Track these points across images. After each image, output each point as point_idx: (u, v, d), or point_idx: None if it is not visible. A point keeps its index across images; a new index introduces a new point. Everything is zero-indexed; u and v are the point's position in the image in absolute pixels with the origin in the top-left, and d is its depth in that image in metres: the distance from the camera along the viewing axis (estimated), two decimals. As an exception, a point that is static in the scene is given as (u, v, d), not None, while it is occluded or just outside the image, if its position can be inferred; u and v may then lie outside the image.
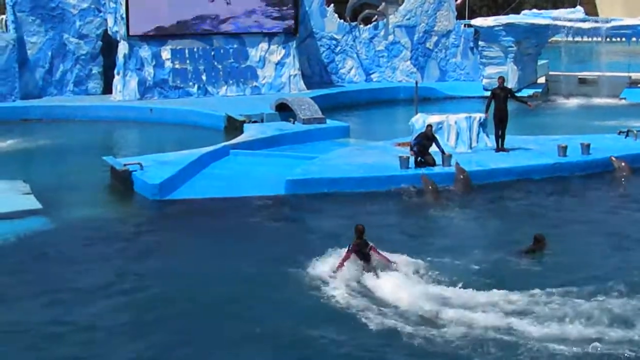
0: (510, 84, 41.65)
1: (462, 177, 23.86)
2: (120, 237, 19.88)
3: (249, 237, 19.51)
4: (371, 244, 16.66)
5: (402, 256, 17.10)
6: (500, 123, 26.60)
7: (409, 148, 25.10)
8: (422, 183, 23.31)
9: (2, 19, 40.55)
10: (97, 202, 23.09)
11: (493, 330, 13.98)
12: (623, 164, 25.63)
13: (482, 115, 27.28)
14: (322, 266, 16.67)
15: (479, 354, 13.28)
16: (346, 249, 16.60)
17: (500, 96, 26.59)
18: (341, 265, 16.37)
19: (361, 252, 16.53)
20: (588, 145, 26.19)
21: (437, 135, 25.41)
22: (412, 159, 24.53)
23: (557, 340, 13.56)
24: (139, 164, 24.25)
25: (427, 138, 24.78)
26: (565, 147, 25.91)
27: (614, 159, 25.83)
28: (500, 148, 26.67)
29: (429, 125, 25.26)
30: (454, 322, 14.29)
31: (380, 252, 16.71)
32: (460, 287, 15.73)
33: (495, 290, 15.55)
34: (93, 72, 40.54)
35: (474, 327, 14.11)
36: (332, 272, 16.30)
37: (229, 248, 18.83)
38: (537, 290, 15.50)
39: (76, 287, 16.44)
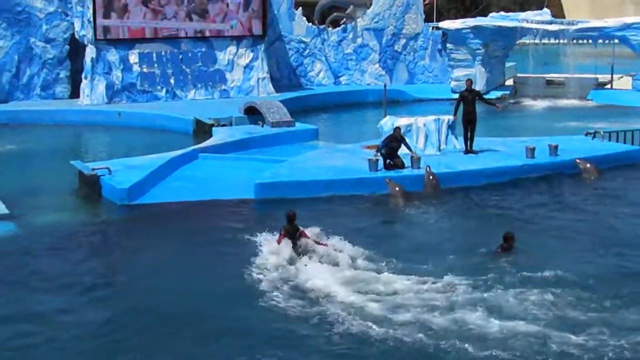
0: (479, 86, 41.87)
1: (431, 179, 23.91)
2: (87, 242, 19.78)
3: (217, 241, 19.43)
4: (301, 229, 17.95)
5: (334, 239, 18.19)
6: (468, 125, 26.69)
7: (376, 150, 25.15)
8: (389, 187, 23.33)
9: (-33, 23, 40.27)
10: (65, 207, 22.95)
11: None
12: (588, 165, 25.75)
13: (451, 118, 27.37)
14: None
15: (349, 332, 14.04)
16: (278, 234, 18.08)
17: (469, 98, 26.68)
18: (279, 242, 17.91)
19: (292, 236, 17.81)
20: (556, 147, 26.33)
21: (405, 137, 25.47)
22: (381, 162, 24.56)
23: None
24: (107, 168, 24.12)
25: (395, 140, 24.83)
26: (534, 149, 26.01)
27: (579, 161, 25.96)
28: (468, 150, 26.75)
29: (397, 128, 25.32)
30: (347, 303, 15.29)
31: (310, 236, 17.98)
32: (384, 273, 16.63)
33: (413, 277, 16.33)
34: (60, 76, 40.31)
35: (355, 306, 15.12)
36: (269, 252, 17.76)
37: (196, 252, 18.74)
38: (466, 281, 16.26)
39: (40, 291, 16.39)
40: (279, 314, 15.05)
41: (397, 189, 23.20)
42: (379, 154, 24.73)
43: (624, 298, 15.56)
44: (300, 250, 17.69)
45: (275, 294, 15.84)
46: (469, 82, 27.47)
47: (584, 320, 14.47)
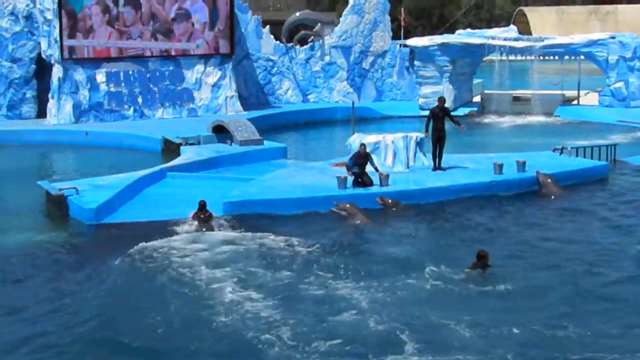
0: (446, 103, 41.95)
1: (548, 180, 25.02)
2: (54, 263, 19.67)
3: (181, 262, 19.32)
4: (209, 212, 22.31)
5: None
6: (437, 142, 26.77)
7: (345, 169, 25.12)
8: (339, 208, 23.13)
9: None
10: (32, 228, 22.77)
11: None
12: (549, 180, 25.83)
13: (419, 135, 27.43)
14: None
15: None
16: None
17: (439, 116, 26.78)
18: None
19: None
20: (524, 163, 26.43)
21: (372, 154, 25.49)
22: (349, 180, 24.57)
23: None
24: (74, 188, 24.00)
25: (361, 157, 24.85)
26: (502, 165, 26.10)
27: (539, 172, 26.04)
28: (437, 167, 26.81)
29: (362, 144, 25.33)
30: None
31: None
32: None
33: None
34: (27, 96, 40.06)
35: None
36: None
37: (161, 273, 18.61)
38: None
39: (5, 312, 16.37)
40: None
41: (347, 206, 23.03)
42: (350, 172, 24.72)
43: (599, 314, 15.70)
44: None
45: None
46: (442, 100, 27.52)
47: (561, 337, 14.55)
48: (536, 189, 25.77)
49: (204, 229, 21.83)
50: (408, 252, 20.01)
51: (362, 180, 24.66)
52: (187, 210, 22.83)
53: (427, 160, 27.30)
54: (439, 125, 26.72)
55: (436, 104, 27.67)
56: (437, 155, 26.90)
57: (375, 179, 24.77)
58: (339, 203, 23.09)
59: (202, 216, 22.42)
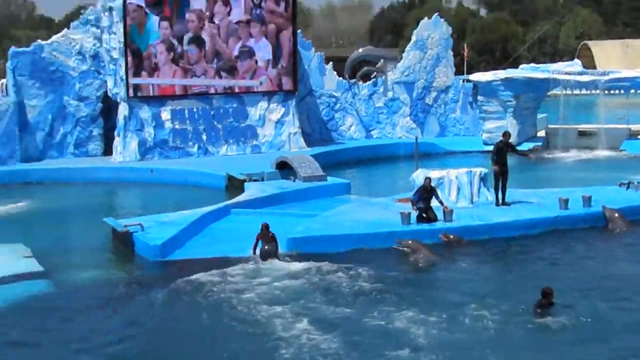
0: (510, 138, 41.81)
1: (617, 215, 24.81)
2: (119, 298, 19.78)
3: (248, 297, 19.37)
4: (272, 233, 22.57)
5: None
6: (501, 177, 26.62)
7: (410, 204, 25.04)
8: (399, 245, 23.03)
9: (2, 83, 40.77)
10: (99, 264, 22.98)
11: None
12: (617, 214, 25.51)
13: (484, 170, 27.27)
14: None
15: None
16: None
17: (504, 150, 26.67)
18: (254, 249, 22.50)
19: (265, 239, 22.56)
20: (589, 198, 26.14)
21: (436, 188, 25.39)
22: (413, 215, 24.48)
23: None
24: (140, 224, 24.20)
25: (426, 191, 24.77)
26: (567, 200, 25.85)
27: (606, 207, 25.73)
28: (501, 202, 26.63)
29: (427, 178, 25.24)
30: None
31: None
32: None
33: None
34: (93, 133, 40.67)
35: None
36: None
37: (223, 308, 18.69)
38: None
39: (76, 349, 16.42)
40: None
41: (410, 243, 22.87)
42: (415, 207, 24.63)
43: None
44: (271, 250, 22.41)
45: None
46: (508, 134, 27.36)
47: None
48: (602, 224, 25.44)
49: (267, 261, 22.00)
50: (471, 288, 19.80)
51: (426, 215, 24.57)
52: (250, 246, 22.91)
53: (490, 196, 27.11)
54: (503, 160, 26.59)
55: (500, 138, 27.53)
56: (500, 189, 26.74)
57: (440, 214, 24.66)
58: (402, 240, 22.98)
59: (267, 235, 22.53)
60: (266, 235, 22.49)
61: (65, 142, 40.25)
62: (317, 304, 18.58)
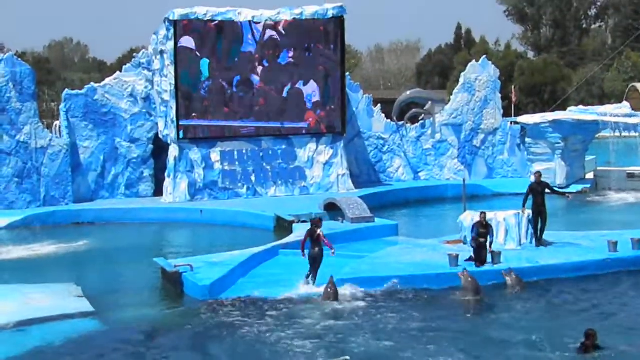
0: (559, 180, 41.95)
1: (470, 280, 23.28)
2: (170, 340, 19.94)
3: (296, 337, 19.48)
4: (320, 232, 23.24)
5: None
6: (539, 216, 26.96)
7: (471, 241, 25.02)
8: (462, 280, 23.07)
9: (56, 124, 41.48)
10: (149, 304, 23.21)
11: None
12: None
13: (530, 212, 27.28)
14: None
15: None
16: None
17: (538, 190, 27.08)
18: (302, 249, 23.54)
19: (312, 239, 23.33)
20: (639, 241, 26.01)
21: (490, 224, 25.32)
22: (461, 256, 24.48)
23: None
24: (189, 265, 24.43)
25: (482, 226, 24.75)
26: (616, 243, 25.75)
27: None
28: (539, 242, 26.74)
29: (482, 212, 25.17)
30: None
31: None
32: None
33: None
34: (144, 174, 41.18)
35: None
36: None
37: (267, 347, 18.81)
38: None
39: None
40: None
41: (469, 280, 22.96)
42: (475, 242, 24.63)
43: None
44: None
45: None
46: (538, 174, 27.85)
47: None
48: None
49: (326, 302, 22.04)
50: (517, 331, 19.73)
51: (476, 256, 24.48)
52: (297, 287, 23.06)
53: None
54: (538, 200, 27.07)
55: (534, 179, 27.77)
56: (538, 229, 26.91)
57: (488, 257, 24.67)
58: (466, 272, 23.11)
59: (314, 234, 23.20)
60: (313, 233, 23.29)
61: (117, 183, 40.78)
62: (361, 339, 18.74)
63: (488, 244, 24.66)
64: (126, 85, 40.96)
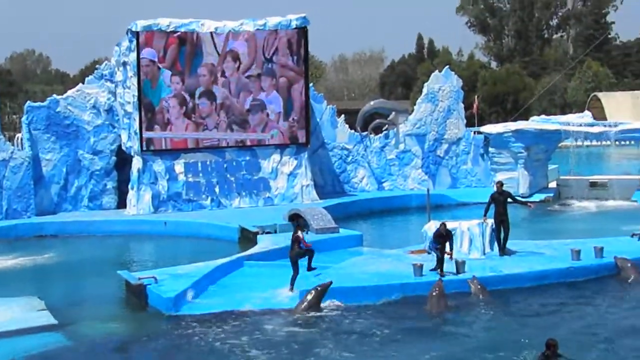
0: (522, 189, 42.18)
1: (628, 265, 24.53)
2: (135, 353, 19.85)
3: (266, 349, 19.44)
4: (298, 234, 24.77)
5: None
6: (501, 225, 27.02)
7: (428, 251, 25.12)
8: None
9: (18, 137, 41.18)
10: (112, 317, 23.07)
11: None
12: (629, 264, 25.54)
13: (491, 221, 27.36)
14: None
15: None
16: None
17: (500, 200, 27.11)
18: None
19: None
20: (602, 249, 26.19)
21: (452, 233, 25.41)
22: (426, 266, 24.53)
23: None
24: (153, 277, 24.34)
25: (440, 236, 24.82)
26: (579, 251, 25.91)
27: (618, 258, 25.76)
28: (502, 251, 26.85)
29: (443, 223, 25.25)
30: None
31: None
32: None
33: None
34: (107, 187, 40.94)
35: None
36: None
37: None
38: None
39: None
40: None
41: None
42: (435, 249, 24.73)
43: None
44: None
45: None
46: (499, 184, 28.04)
47: None
48: (614, 273, 25.47)
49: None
50: (479, 340, 19.90)
51: (439, 266, 24.54)
52: (263, 298, 23.01)
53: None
54: (500, 210, 27.15)
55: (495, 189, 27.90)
56: (501, 239, 27.05)
57: (451, 266, 24.72)
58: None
59: (294, 235, 25.07)
60: (293, 234, 24.98)
61: (80, 195, 40.52)
62: (327, 352, 18.69)
63: (449, 248, 24.75)
64: (89, 97, 40.74)
